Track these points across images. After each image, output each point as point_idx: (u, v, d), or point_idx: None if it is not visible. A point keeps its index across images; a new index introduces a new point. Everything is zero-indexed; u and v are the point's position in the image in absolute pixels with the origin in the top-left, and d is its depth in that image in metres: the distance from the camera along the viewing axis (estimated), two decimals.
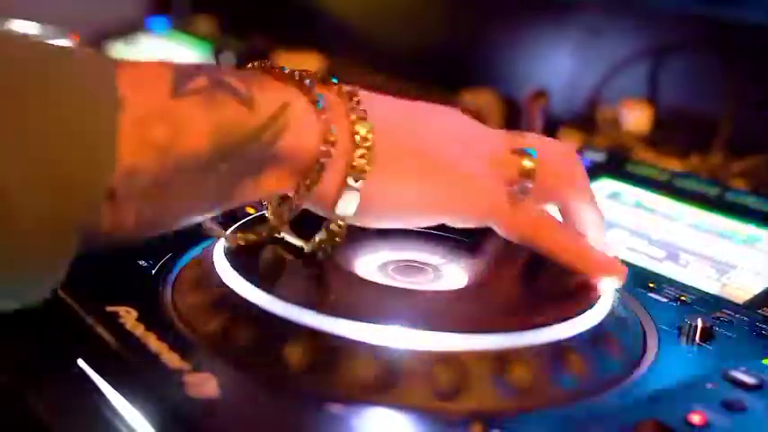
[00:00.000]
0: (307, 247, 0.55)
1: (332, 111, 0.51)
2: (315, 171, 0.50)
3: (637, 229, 0.77)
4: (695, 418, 0.47)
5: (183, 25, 1.60)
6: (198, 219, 0.51)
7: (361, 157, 0.51)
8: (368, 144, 0.51)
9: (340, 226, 0.53)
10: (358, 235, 0.59)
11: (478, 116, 1.21)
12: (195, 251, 0.61)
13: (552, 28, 1.36)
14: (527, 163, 0.57)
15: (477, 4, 1.45)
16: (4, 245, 0.41)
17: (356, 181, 0.51)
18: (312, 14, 1.61)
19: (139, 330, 0.50)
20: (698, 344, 0.56)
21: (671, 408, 0.48)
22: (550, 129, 1.11)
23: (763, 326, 0.60)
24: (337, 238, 0.54)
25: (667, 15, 1.22)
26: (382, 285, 0.57)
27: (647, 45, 1.23)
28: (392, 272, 0.60)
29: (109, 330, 0.50)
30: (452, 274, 0.60)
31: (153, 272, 0.58)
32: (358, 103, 0.52)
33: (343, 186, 0.51)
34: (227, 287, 0.52)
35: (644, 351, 0.55)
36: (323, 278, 0.56)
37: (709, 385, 0.51)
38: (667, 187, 0.83)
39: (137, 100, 0.44)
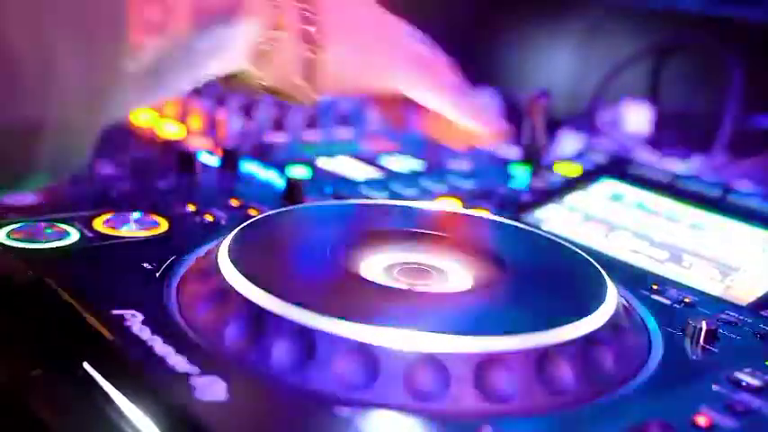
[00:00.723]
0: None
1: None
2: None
3: (639, 231, 0.77)
4: (701, 420, 0.47)
5: None
6: (181, 92, 0.58)
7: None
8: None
9: None
10: (365, 237, 0.59)
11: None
12: (199, 252, 0.61)
13: (553, 28, 1.36)
14: None
15: (478, 3, 1.45)
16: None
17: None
18: None
19: (145, 334, 0.50)
20: (702, 346, 0.56)
21: (676, 410, 0.48)
22: (552, 130, 1.10)
23: (767, 327, 0.60)
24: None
25: (668, 16, 1.22)
26: (392, 288, 0.56)
27: (649, 46, 1.23)
28: (397, 274, 0.60)
29: (114, 334, 0.50)
30: (458, 276, 0.60)
31: (157, 274, 0.58)
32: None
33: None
34: (232, 289, 0.52)
35: (649, 353, 0.55)
36: (329, 280, 0.56)
37: (714, 387, 0.51)
38: (669, 188, 0.83)
39: None
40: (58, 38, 0.44)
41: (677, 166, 1.06)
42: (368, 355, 0.47)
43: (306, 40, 0.61)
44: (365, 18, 0.69)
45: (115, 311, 0.52)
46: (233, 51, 0.59)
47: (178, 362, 0.47)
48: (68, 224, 0.65)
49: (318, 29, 0.61)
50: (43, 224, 0.64)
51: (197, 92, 1.13)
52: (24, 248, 0.61)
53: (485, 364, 0.47)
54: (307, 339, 0.47)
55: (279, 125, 1.03)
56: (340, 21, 0.64)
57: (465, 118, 0.71)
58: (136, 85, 0.51)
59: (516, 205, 0.82)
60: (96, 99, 0.47)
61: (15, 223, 0.64)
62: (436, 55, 0.76)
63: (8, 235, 0.62)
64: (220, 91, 1.15)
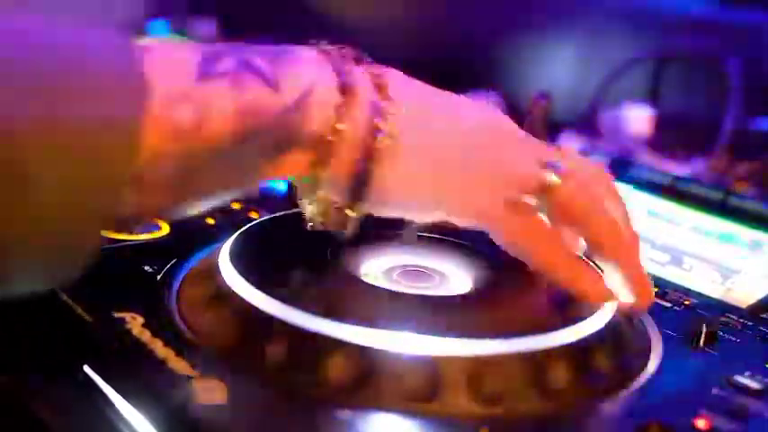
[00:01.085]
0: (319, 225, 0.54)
1: (355, 96, 0.50)
2: (323, 153, 0.50)
3: (640, 234, 0.77)
4: (700, 423, 0.47)
5: (182, 28, 1.60)
6: (218, 200, 0.51)
7: (380, 143, 0.50)
8: (393, 133, 0.50)
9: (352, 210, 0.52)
10: (365, 240, 0.59)
11: None
12: (200, 256, 0.61)
13: (555, 31, 1.36)
14: (550, 177, 0.54)
15: (479, 6, 1.45)
16: (23, 216, 0.41)
17: (367, 168, 0.50)
18: (312, 17, 1.61)
19: (146, 336, 0.50)
20: (702, 349, 0.56)
21: (676, 413, 0.48)
22: (553, 132, 1.11)
23: (767, 330, 0.60)
24: (348, 227, 0.53)
25: (669, 18, 1.22)
26: (391, 291, 0.56)
27: (650, 48, 1.23)
28: (398, 276, 0.60)
29: (115, 336, 0.50)
30: (458, 279, 0.60)
31: (158, 277, 0.58)
32: (385, 89, 0.52)
33: (354, 171, 0.50)
34: (233, 292, 0.52)
35: (648, 356, 0.55)
36: (330, 283, 0.56)
37: (714, 390, 0.51)
38: (670, 191, 0.83)
39: (164, 84, 0.44)
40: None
41: (678, 168, 1.06)
42: (365, 358, 0.47)
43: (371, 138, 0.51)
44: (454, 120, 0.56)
45: (116, 314, 0.52)
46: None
47: (178, 365, 0.47)
48: None
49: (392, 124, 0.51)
50: None
51: None
52: None
53: (480, 368, 0.47)
54: (306, 342, 0.47)
55: None
56: (419, 119, 0.53)
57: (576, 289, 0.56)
58: (158, 194, 0.46)
59: None
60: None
61: None
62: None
63: None
64: None
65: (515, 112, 1.17)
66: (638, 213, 0.81)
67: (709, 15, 1.16)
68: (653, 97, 1.22)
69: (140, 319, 0.52)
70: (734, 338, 0.58)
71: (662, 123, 1.18)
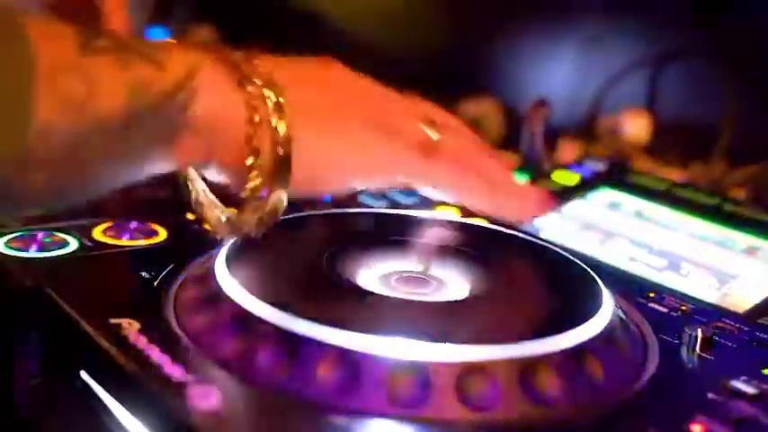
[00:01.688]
0: (247, 227, 0.54)
1: (245, 79, 0.51)
2: (247, 144, 0.50)
3: (637, 239, 0.77)
4: (696, 429, 0.47)
5: (183, 35, 1.60)
6: (107, 188, 0.50)
7: (280, 119, 0.50)
8: (282, 107, 0.51)
9: (280, 199, 0.53)
10: (363, 247, 0.59)
11: (477, 127, 1.22)
12: (197, 261, 0.62)
13: (552, 36, 1.36)
14: (434, 134, 0.59)
15: (477, 12, 1.45)
16: None
17: (285, 148, 0.51)
18: (312, 23, 1.61)
19: (142, 342, 0.50)
20: (699, 354, 0.56)
21: (672, 418, 0.48)
22: (551, 138, 1.11)
23: (764, 336, 0.60)
24: (279, 212, 0.54)
25: (667, 24, 1.22)
26: (388, 297, 0.57)
27: (647, 54, 1.23)
28: (395, 282, 0.60)
29: (111, 343, 0.50)
30: (455, 285, 0.61)
31: (155, 283, 0.59)
32: (257, 66, 0.52)
33: (275, 157, 0.51)
34: (229, 298, 0.52)
35: (645, 361, 0.55)
36: (326, 289, 0.56)
37: (710, 395, 0.51)
38: (667, 197, 0.83)
39: (50, 53, 0.43)
40: None
41: (675, 174, 1.06)
42: (360, 364, 0.47)
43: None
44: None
45: (113, 320, 0.52)
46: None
47: (175, 371, 0.47)
48: (67, 233, 0.65)
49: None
50: (42, 233, 0.64)
51: None
52: (23, 257, 0.61)
53: (472, 374, 0.47)
54: (301, 348, 0.48)
55: None
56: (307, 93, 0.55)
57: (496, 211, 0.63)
58: (45, 172, 0.44)
59: None
60: None
61: (14, 232, 0.64)
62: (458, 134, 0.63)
63: (6, 244, 0.62)
64: None
65: (514, 118, 1.17)
66: (636, 219, 0.81)
67: (707, 19, 1.16)
68: (651, 103, 1.23)
69: (137, 325, 0.52)
70: (730, 344, 0.58)
71: (659, 129, 1.18)
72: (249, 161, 0.50)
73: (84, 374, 0.50)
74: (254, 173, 0.51)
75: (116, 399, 0.48)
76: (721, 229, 0.77)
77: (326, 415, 0.45)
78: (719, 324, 0.61)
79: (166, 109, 0.47)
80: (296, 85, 0.53)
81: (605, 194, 0.86)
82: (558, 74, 1.34)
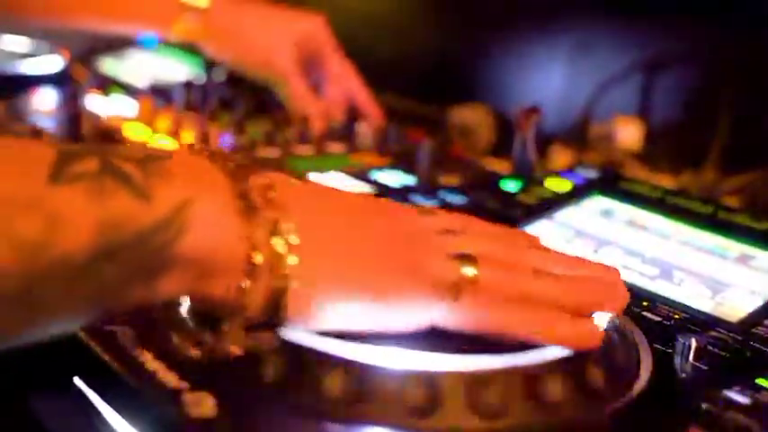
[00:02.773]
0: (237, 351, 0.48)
1: (247, 208, 0.46)
2: (244, 276, 0.45)
3: (629, 247, 0.77)
4: None
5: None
6: (72, 327, 0.46)
7: (286, 259, 0.46)
8: (295, 245, 0.46)
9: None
10: None
11: (468, 133, 1.22)
12: None
13: (543, 43, 1.37)
14: (467, 270, 0.52)
15: (467, 18, 1.45)
16: None
17: (283, 289, 0.46)
18: None
19: (137, 350, 0.50)
20: (692, 363, 0.56)
21: (666, 428, 0.48)
22: (542, 145, 1.11)
23: (757, 345, 0.60)
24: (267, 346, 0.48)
25: (658, 30, 1.23)
26: None
27: (639, 61, 1.23)
28: None
29: (106, 350, 0.50)
30: None
31: None
32: (274, 197, 0.47)
33: (271, 293, 0.46)
34: None
35: (638, 371, 0.55)
36: None
37: (703, 405, 0.51)
38: (660, 205, 0.83)
39: (9, 185, 0.39)
40: None
41: (667, 182, 1.06)
42: (359, 374, 0.47)
43: None
44: None
45: (107, 327, 0.52)
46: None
47: (169, 378, 0.47)
48: None
49: None
50: None
51: (190, 107, 1.14)
52: None
53: (474, 383, 0.47)
54: (298, 356, 0.47)
55: (270, 140, 1.04)
56: None
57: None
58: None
59: (507, 221, 0.82)
60: None
61: None
62: None
63: None
64: (213, 106, 1.15)
65: (505, 125, 1.17)
66: (628, 227, 0.81)
67: (700, 26, 1.16)
68: (642, 110, 1.23)
69: (131, 332, 0.52)
70: (724, 353, 0.58)
71: (651, 137, 1.19)
72: (241, 301, 0.46)
73: (78, 381, 0.50)
74: (244, 311, 0.46)
75: (110, 406, 0.48)
76: (714, 237, 0.77)
77: (328, 426, 0.45)
78: (713, 333, 0.61)
79: (146, 246, 0.42)
80: (309, 219, 0.49)
81: (598, 202, 0.86)
82: (549, 80, 1.34)
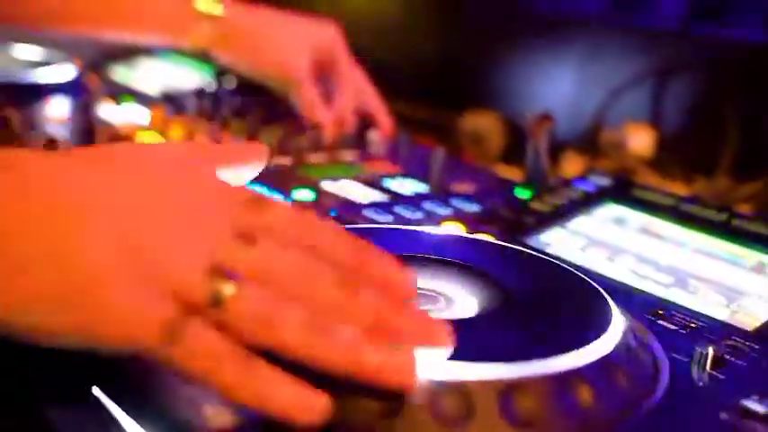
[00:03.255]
0: None
1: None
2: None
3: (643, 255, 0.77)
4: None
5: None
6: None
7: None
8: None
9: None
10: None
11: (480, 140, 1.22)
12: None
13: (554, 50, 1.37)
14: (220, 288, 0.43)
15: (478, 26, 1.45)
16: None
17: None
18: None
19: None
20: (709, 372, 0.56)
21: None
22: (554, 152, 1.11)
23: None
24: None
25: (669, 37, 1.23)
26: None
27: (650, 67, 1.23)
28: None
29: (125, 359, 0.50)
30: (463, 301, 0.60)
31: None
32: None
33: None
34: None
35: (655, 380, 0.55)
36: None
37: (722, 415, 0.51)
38: (673, 212, 0.83)
39: None
40: None
41: (680, 189, 1.06)
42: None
43: None
44: None
45: None
46: None
47: (189, 388, 0.47)
48: None
49: None
50: None
51: (202, 114, 1.14)
52: None
53: (487, 393, 0.47)
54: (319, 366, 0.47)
55: (283, 148, 1.04)
56: None
57: None
58: None
59: (520, 229, 0.82)
60: None
61: None
62: None
63: None
64: (225, 114, 1.15)
65: (516, 133, 1.17)
66: (641, 234, 0.81)
67: (711, 32, 1.16)
68: (653, 117, 1.23)
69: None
70: (741, 362, 0.58)
71: (664, 143, 1.19)
72: None
73: (96, 391, 0.50)
74: None
75: (129, 416, 0.48)
76: (729, 244, 0.77)
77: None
78: (729, 342, 0.61)
79: None
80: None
81: (610, 210, 0.86)
82: (560, 87, 1.34)
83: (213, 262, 0.44)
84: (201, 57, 1.19)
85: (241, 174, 0.55)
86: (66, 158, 0.48)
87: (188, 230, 0.45)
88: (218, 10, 1.15)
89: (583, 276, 0.64)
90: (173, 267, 0.43)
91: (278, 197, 0.84)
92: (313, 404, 0.43)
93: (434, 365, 0.47)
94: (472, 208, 0.88)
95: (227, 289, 0.43)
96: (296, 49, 1.18)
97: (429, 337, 0.46)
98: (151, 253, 0.43)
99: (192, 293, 0.43)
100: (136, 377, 0.49)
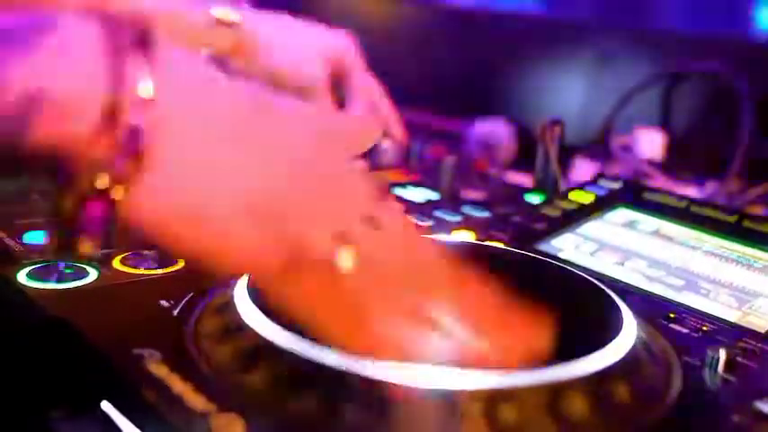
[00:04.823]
0: None
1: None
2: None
3: (655, 258, 0.77)
4: None
5: None
6: None
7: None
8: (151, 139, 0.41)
9: None
10: None
11: (491, 147, 1.22)
12: (216, 289, 0.61)
13: (564, 56, 1.37)
14: (339, 258, 0.47)
15: (489, 33, 1.45)
16: None
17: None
18: None
19: (163, 372, 0.50)
20: (722, 375, 0.56)
21: None
22: (565, 157, 1.11)
23: None
24: None
25: (678, 40, 1.23)
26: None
27: (659, 71, 1.23)
28: None
29: (133, 372, 0.50)
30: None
31: (175, 312, 0.59)
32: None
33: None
34: (249, 326, 0.52)
35: (668, 384, 0.55)
36: None
37: (735, 418, 0.50)
38: (684, 215, 0.83)
39: None
40: None
41: (691, 191, 1.06)
42: (393, 395, 0.47)
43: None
44: None
45: (134, 350, 0.52)
46: None
47: (196, 400, 0.47)
48: (87, 264, 0.65)
49: None
50: (62, 264, 0.64)
51: None
52: (44, 288, 0.61)
53: (498, 400, 0.47)
54: (326, 377, 0.47)
55: None
56: None
57: None
58: None
59: (531, 235, 0.82)
60: None
61: (35, 264, 0.64)
62: None
63: (28, 275, 0.62)
64: None
65: (527, 139, 1.17)
66: (653, 238, 0.81)
67: (719, 35, 1.16)
68: (664, 121, 1.23)
69: (158, 355, 0.52)
70: (753, 364, 0.58)
71: (674, 147, 1.18)
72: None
73: (105, 405, 0.50)
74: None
75: (138, 429, 0.48)
76: (741, 246, 0.77)
77: None
78: (741, 344, 0.60)
79: None
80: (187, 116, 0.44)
81: (622, 213, 0.86)
82: (570, 93, 1.34)
83: (339, 233, 0.47)
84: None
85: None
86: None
87: (326, 203, 0.48)
88: (235, 16, 1.15)
89: (594, 281, 0.63)
90: (306, 227, 0.46)
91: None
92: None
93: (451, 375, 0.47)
94: (483, 214, 0.88)
95: (344, 259, 0.46)
96: (311, 56, 1.18)
97: None
98: (293, 211, 0.46)
99: (314, 253, 0.46)
100: (144, 392, 0.49)
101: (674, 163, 1.16)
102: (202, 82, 0.46)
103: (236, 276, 0.54)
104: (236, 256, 0.45)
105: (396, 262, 0.49)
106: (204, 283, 0.62)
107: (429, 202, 0.93)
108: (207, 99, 0.45)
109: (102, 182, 0.41)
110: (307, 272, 0.46)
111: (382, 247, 0.48)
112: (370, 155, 1.10)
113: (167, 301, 0.60)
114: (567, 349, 0.51)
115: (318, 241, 0.46)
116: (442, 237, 0.75)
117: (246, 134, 0.46)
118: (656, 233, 0.82)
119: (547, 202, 0.90)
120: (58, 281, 0.62)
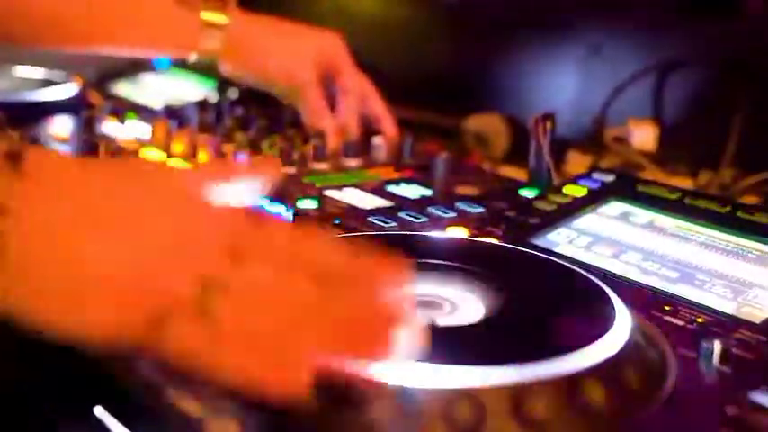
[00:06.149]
0: None
1: None
2: None
3: (649, 250, 0.77)
4: None
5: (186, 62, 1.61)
6: None
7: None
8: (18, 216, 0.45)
9: None
10: None
11: (483, 142, 1.22)
12: None
13: (555, 49, 1.36)
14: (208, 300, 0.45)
15: (480, 27, 1.45)
16: None
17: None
18: None
19: (158, 377, 0.50)
20: (717, 366, 0.56)
21: None
22: (557, 151, 1.11)
23: None
24: None
25: (671, 32, 1.22)
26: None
27: (652, 63, 1.23)
28: None
29: (128, 378, 0.50)
30: (468, 306, 0.60)
31: None
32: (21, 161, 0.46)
33: None
34: None
35: (663, 376, 0.54)
36: None
37: (729, 409, 0.50)
38: (678, 207, 0.83)
39: None
40: None
41: (685, 183, 1.06)
42: (397, 395, 0.46)
43: None
44: None
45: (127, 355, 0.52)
46: None
47: (192, 406, 0.47)
48: None
49: None
50: None
51: (205, 127, 1.14)
52: None
53: (495, 397, 0.47)
54: (325, 379, 0.47)
55: (286, 157, 1.04)
56: None
57: None
58: None
59: (525, 230, 0.82)
60: None
61: None
62: None
63: None
64: (228, 126, 1.16)
65: (520, 133, 1.17)
66: (647, 230, 0.81)
67: (712, 26, 1.16)
68: (656, 112, 1.22)
69: (153, 361, 0.52)
70: (748, 355, 0.58)
71: (667, 139, 1.18)
72: None
73: (99, 410, 0.50)
74: None
75: None
76: (735, 237, 0.77)
77: None
78: (736, 335, 0.60)
79: None
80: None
81: (615, 206, 0.86)
82: (562, 86, 1.34)
83: (200, 276, 0.45)
84: (207, 67, 1.19)
85: (253, 188, 0.57)
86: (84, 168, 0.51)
87: (180, 249, 0.47)
88: (223, 19, 1.15)
89: (588, 275, 0.63)
90: (164, 279, 0.45)
91: (279, 209, 0.84)
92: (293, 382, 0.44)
93: (444, 372, 0.47)
94: (477, 210, 0.88)
95: (211, 300, 0.45)
96: (301, 58, 1.18)
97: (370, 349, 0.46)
98: (149, 267, 0.46)
99: (178, 300, 0.45)
100: (138, 396, 0.49)
101: (667, 154, 1.16)
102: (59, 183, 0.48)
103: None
104: (101, 328, 0.46)
105: (275, 282, 0.46)
106: None
107: (422, 199, 0.93)
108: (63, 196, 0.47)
109: None
110: (178, 320, 0.45)
111: (252, 275, 0.46)
112: (365, 153, 1.10)
113: None
114: (561, 344, 0.51)
115: (176, 286, 0.45)
116: (435, 234, 0.75)
117: (98, 221, 0.47)
118: (650, 225, 0.82)
119: (540, 197, 0.90)
120: None
